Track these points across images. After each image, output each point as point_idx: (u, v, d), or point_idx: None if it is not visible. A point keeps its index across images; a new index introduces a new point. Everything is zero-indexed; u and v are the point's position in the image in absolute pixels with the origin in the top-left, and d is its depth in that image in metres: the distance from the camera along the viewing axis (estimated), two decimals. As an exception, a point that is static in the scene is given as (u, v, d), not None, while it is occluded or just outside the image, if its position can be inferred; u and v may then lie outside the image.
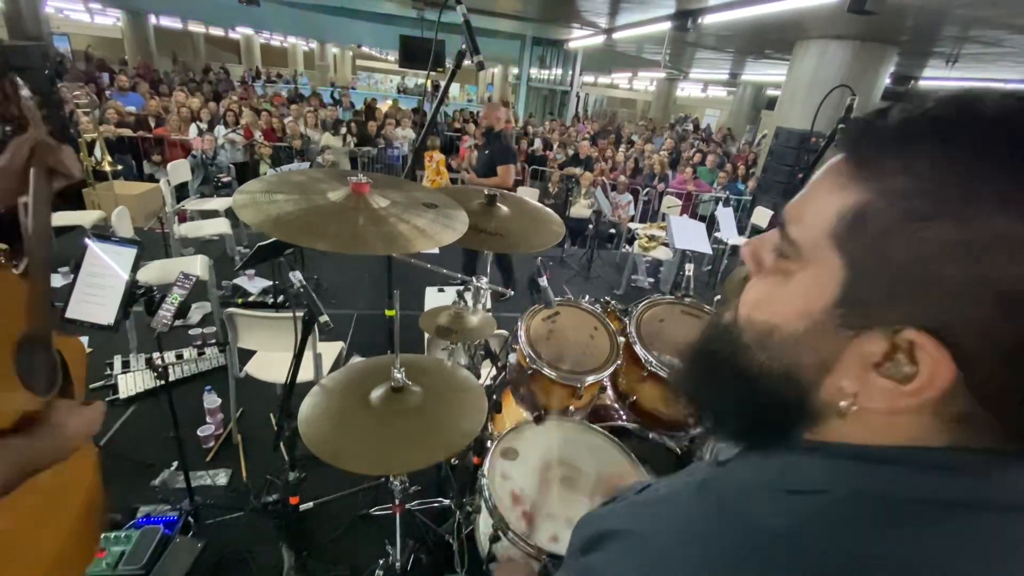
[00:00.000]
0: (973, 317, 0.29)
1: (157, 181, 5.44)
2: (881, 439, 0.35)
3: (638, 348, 1.70)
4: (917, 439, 0.34)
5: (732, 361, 0.42)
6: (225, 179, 5.17)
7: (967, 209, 0.28)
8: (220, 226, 4.34)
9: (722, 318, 0.45)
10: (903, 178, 0.31)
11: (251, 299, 3.68)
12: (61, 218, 4.17)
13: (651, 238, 4.93)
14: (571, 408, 1.71)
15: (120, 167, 5.20)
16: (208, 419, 2.44)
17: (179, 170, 5.01)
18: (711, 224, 5.12)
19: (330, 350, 2.48)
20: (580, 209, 6.29)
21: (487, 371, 1.90)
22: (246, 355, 2.38)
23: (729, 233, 4.97)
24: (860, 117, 0.36)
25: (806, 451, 0.38)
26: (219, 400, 2.47)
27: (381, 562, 1.74)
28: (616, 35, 9.05)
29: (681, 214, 5.93)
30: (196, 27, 18.48)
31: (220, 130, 6.40)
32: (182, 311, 1.56)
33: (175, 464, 2.21)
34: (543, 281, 1.53)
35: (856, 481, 0.34)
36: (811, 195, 0.37)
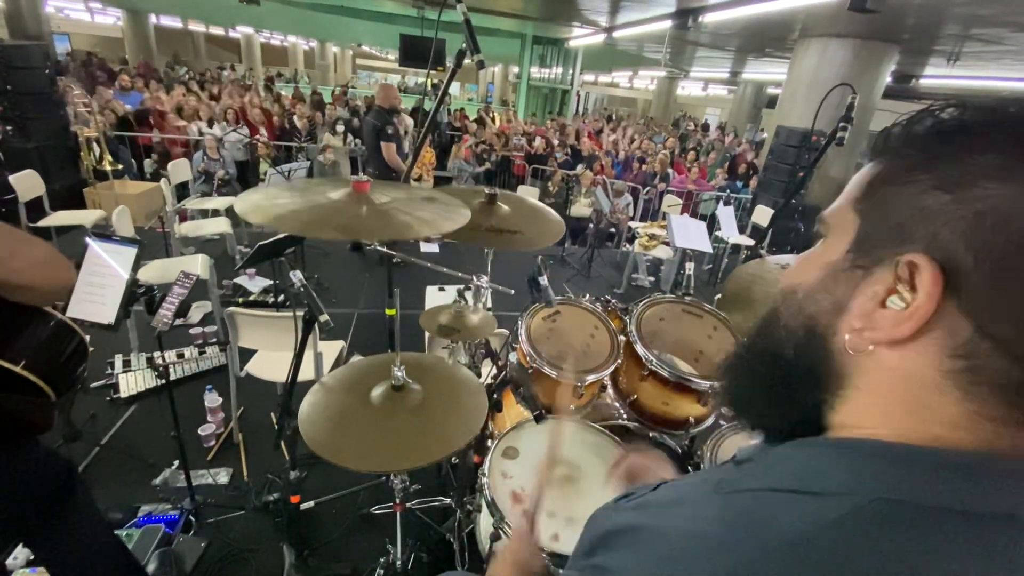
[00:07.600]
0: (960, 235, 0.32)
1: (158, 179, 5.45)
2: (910, 434, 0.35)
3: (638, 347, 1.70)
4: (946, 438, 0.34)
5: (771, 343, 0.45)
6: (226, 178, 5.18)
7: (955, 164, 0.33)
8: (221, 225, 4.34)
9: (766, 311, 0.47)
10: (910, 151, 0.37)
11: (252, 298, 3.70)
12: (62, 218, 4.18)
13: (652, 237, 4.93)
14: (571, 407, 1.71)
15: (121, 166, 5.19)
16: (209, 418, 2.45)
17: (179, 169, 5.01)
18: (712, 223, 5.11)
19: (331, 349, 2.48)
20: (580, 208, 6.29)
21: (487, 370, 1.90)
22: (247, 354, 2.38)
23: (730, 232, 4.96)
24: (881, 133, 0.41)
25: (830, 446, 0.38)
26: (220, 399, 2.48)
27: (382, 561, 1.75)
28: (617, 34, 9.02)
29: (682, 213, 5.92)
30: (196, 26, 18.49)
31: (218, 128, 6.40)
32: (182, 310, 1.56)
33: (176, 463, 2.22)
34: (543, 280, 1.53)
35: (880, 483, 0.33)
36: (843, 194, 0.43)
